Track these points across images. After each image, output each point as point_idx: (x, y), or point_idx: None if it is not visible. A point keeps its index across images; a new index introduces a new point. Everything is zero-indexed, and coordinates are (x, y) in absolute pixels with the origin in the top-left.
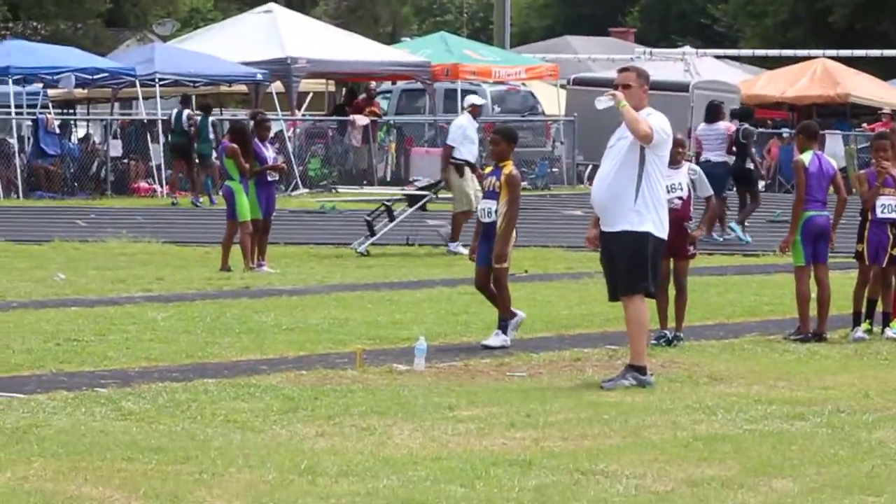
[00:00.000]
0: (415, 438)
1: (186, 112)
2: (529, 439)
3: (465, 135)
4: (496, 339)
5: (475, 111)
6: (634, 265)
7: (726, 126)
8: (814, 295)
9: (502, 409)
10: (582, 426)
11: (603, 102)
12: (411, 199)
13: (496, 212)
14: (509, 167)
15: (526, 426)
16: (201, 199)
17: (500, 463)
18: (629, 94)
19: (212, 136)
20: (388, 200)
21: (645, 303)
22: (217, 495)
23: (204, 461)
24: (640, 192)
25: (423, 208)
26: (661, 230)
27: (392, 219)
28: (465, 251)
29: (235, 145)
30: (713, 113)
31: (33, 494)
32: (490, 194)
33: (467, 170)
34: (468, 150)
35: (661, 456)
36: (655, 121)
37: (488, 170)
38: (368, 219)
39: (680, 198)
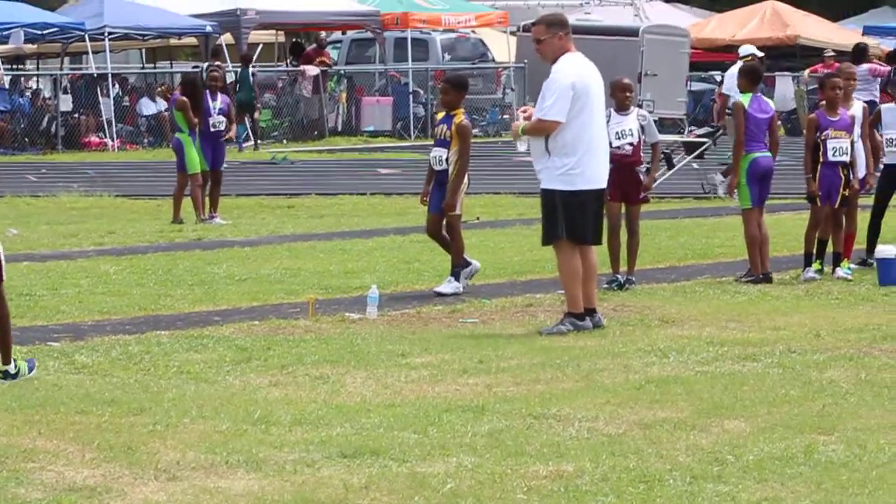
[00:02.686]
0: (368, 386)
1: (252, 69)
2: (482, 385)
3: None
4: (448, 286)
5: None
6: (546, 218)
7: (869, 67)
8: None
9: (455, 355)
10: (535, 371)
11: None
12: (689, 147)
13: (447, 160)
14: (460, 116)
15: (479, 372)
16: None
17: (453, 409)
18: (544, 47)
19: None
20: (667, 148)
21: (568, 253)
22: (171, 446)
23: (158, 413)
24: (550, 150)
25: (700, 156)
26: (577, 182)
27: (671, 166)
28: None
29: (185, 98)
30: (858, 54)
31: None
32: (441, 142)
33: None
34: None
35: (613, 399)
36: (550, 97)
37: (440, 116)
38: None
39: (630, 143)
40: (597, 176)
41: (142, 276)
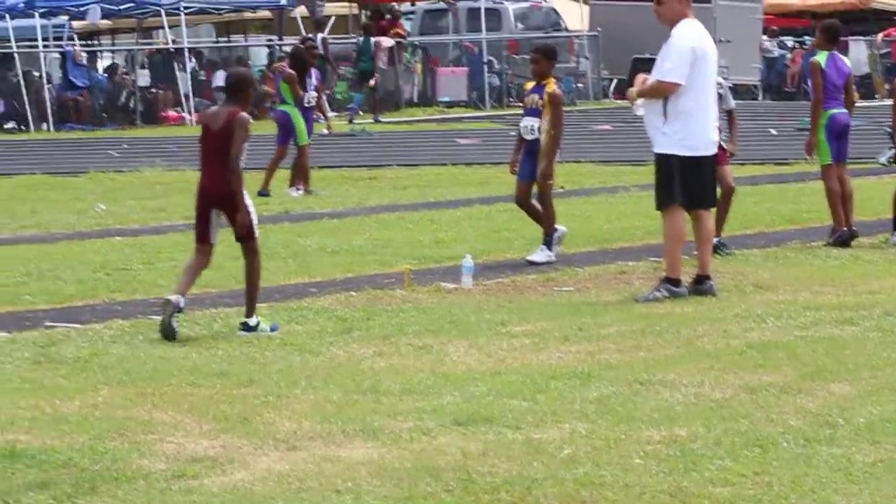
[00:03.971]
0: (471, 355)
1: (374, 40)
2: (585, 352)
3: None
4: (541, 254)
5: None
6: (660, 184)
7: None
8: None
9: (554, 323)
10: (635, 338)
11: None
12: None
13: (539, 129)
14: (551, 85)
15: (580, 339)
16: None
17: (558, 376)
18: (664, 8)
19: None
20: None
21: (678, 218)
22: (286, 416)
23: (267, 384)
24: (668, 114)
25: None
26: (696, 148)
27: None
28: None
29: (293, 72)
30: None
31: (105, 421)
32: (532, 111)
33: None
34: None
35: (716, 364)
36: (670, 59)
37: (529, 86)
38: (890, 131)
39: None
40: (711, 141)
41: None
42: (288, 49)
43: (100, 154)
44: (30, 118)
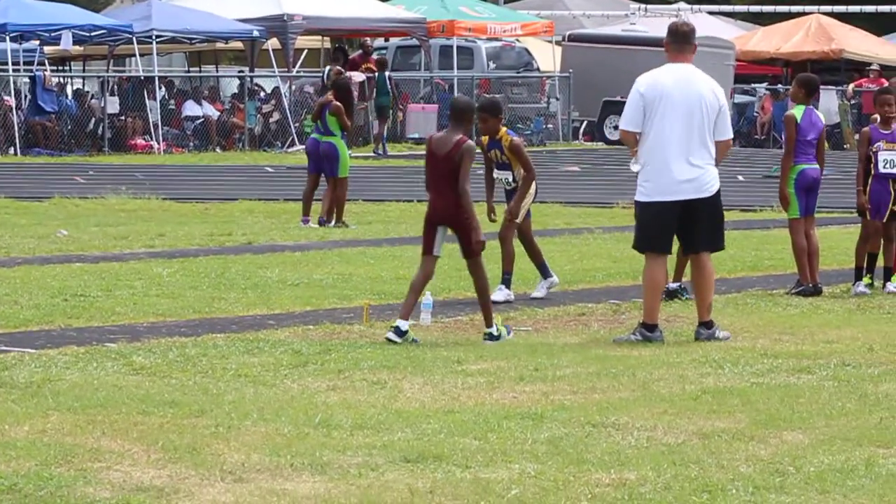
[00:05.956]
0: (426, 392)
1: (387, 74)
2: (539, 393)
3: None
4: (499, 293)
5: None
6: (635, 228)
7: None
8: None
9: (510, 363)
10: (590, 380)
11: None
12: None
13: (513, 178)
14: (506, 137)
15: (535, 380)
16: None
17: (511, 416)
18: None
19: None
20: None
21: (650, 264)
22: (235, 448)
23: (219, 414)
24: (639, 160)
25: None
26: (649, 193)
27: None
28: None
29: (340, 103)
30: None
31: (53, 447)
32: (501, 165)
33: None
34: None
35: (670, 409)
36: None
37: (485, 141)
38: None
39: None
40: (675, 187)
41: (194, 278)
42: (260, 81)
43: (65, 180)
44: None
